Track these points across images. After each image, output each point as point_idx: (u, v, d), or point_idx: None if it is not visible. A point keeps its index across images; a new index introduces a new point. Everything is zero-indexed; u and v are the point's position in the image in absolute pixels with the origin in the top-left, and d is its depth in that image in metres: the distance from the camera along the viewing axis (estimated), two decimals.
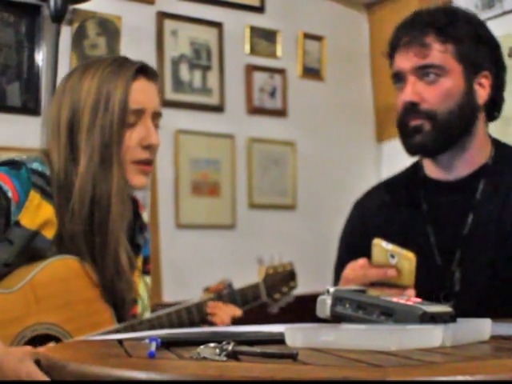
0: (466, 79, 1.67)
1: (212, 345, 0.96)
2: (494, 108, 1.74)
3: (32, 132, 1.90)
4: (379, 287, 1.46)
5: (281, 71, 3.58)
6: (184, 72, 3.32)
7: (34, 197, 1.55)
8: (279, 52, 3.58)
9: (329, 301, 1.21)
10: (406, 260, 1.46)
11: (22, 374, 1.30)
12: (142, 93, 1.61)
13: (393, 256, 1.47)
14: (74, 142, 1.58)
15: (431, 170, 1.76)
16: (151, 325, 1.64)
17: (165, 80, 3.25)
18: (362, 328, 1.08)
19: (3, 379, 1.30)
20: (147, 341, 1.05)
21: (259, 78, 3.51)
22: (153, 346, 1.00)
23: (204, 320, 1.77)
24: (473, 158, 1.72)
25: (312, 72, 3.68)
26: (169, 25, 3.28)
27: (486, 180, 1.70)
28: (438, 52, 1.65)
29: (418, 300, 1.17)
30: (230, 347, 0.94)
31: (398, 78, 1.71)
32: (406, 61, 1.68)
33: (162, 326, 1.66)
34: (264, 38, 3.54)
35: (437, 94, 1.65)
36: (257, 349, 0.96)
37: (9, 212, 1.51)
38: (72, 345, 1.26)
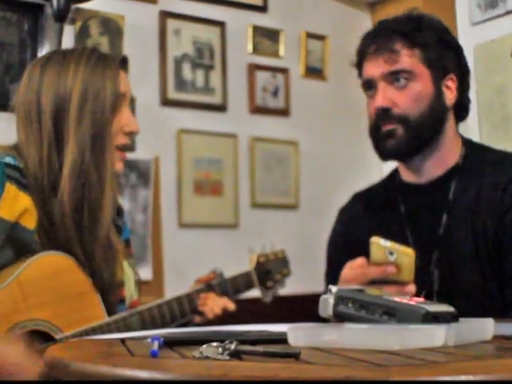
0: (435, 82, 1.71)
1: (215, 344, 0.96)
2: (461, 109, 1.78)
3: None
4: (379, 285, 1.47)
5: (283, 71, 3.58)
6: (187, 71, 3.32)
7: (10, 188, 1.55)
8: (282, 51, 3.58)
9: (331, 300, 1.21)
10: (405, 255, 1.47)
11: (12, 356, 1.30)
12: (123, 81, 1.66)
13: (391, 253, 1.47)
14: (60, 131, 1.58)
15: (405, 174, 1.81)
16: (142, 317, 1.64)
17: (167, 79, 3.25)
18: (365, 327, 1.08)
19: None
20: (150, 340, 1.05)
21: (262, 77, 3.51)
22: (155, 345, 1.00)
23: (195, 311, 1.77)
24: (443, 158, 1.75)
25: (315, 71, 3.68)
26: (171, 24, 3.28)
27: (458, 179, 1.74)
28: (407, 57, 1.70)
29: (421, 300, 1.17)
30: (232, 346, 0.94)
31: (369, 85, 1.76)
32: (375, 68, 1.73)
33: (152, 318, 1.66)
34: (267, 37, 3.54)
35: (408, 99, 1.69)
36: (259, 348, 0.96)
37: None
38: (74, 344, 1.26)
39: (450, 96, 1.73)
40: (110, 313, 1.61)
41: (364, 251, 1.53)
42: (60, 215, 1.56)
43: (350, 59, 1.82)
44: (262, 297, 1.97)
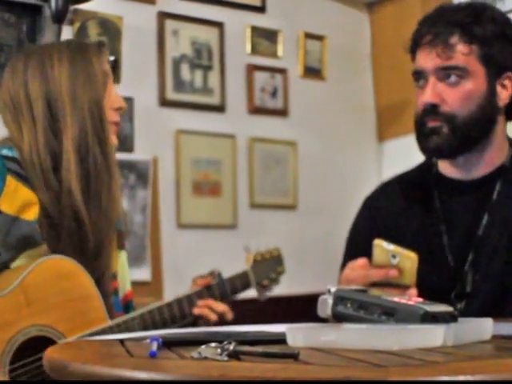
0: (489, 81, 1.64)
1: (213, 345, 0.96)
2: None
3: None
4: (380, 287, 1.46)
5: (282, 71, 3.58)
6: (185, 72, 3.32)
7: (11, 181, 1.55)
8: (280, 52, 3.58)
9: (330, 300, 1.21)
10: (408, 260, 1.46)
11: None
12: (106, 61, 1.68)
13: (394, 256, 1.47)
14: (54, 114, 1.59)
15: (446, 168, 1.74)
16: (143, 320, 1.65)
17: (166, 80, 3.25)
18: (364, 328, 1.08)
19: None
20: (148, 341, 1.05)
21: (260, 77, 3.51)
22: (154, 346, 1.00)
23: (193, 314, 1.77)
24: (491, 159, 1.70)
25: (313, 72, 3.68)
26: (170, 25, 3.28)
27: (503, 181, 1.69)
28: (462, 53, 1.62)
29: (420, 300, 1.17)
30: (231, 347, 0.94)
31: (419, 76, 1.68)
32: (428, 60, 1.65)
33: (153, 321, 1.67)
34: (265, 37, 3.54)
35: (458, 97, 1.63)
36: (258, 348, 0.96)
37: None
38: (73, 345, 1.26)
39: (504, 96, 1.66)
40: (106, 303, 1.62)
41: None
42: (67, 189, 1.57)
43: (404, 43, 1.71)
44: (258, 296, 1.98)
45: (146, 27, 3.22)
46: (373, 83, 3.81)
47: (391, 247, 1.47)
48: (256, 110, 3.49)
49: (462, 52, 1.62)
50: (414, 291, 1.46)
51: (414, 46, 1.69)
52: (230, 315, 1.81)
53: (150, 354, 0.98)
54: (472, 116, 1.63)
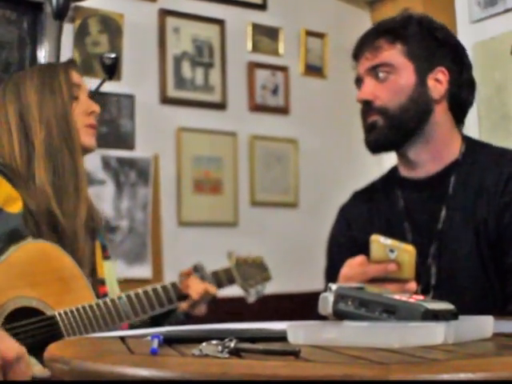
0: (418, 75, 1.73)
1: (214, 342, 0.96)
2: (460, 107, 1.78)
3: None
4: (379, 283, 1.47)
5: (283, 69, 3.57)
6: (186, 69, 3.32)
7: None
8: (281, 49, 3.57)
9: (331, 298, 1.21)
10: (406, 253, 1.47)
11: None
12: (75, 76, 1.84)
13: (392, 250, 1.47)
14: (26, 124, 1.75)
15: (403, 169, 1.82)
16: (130, 299, 1.73)
17: (167, 77, 3.25)
18: (365, 325, 1.08)
19: None
20: (149, 338, 1.05)
21: (261, 75, 3.51)
22: (155, 343, 1.00)
23: (180, 297, 1.85)
24: (439, 152, 1.76)
25: (314, 69, 3.68)
26: (171, 22, 3.28)
27: (457, 175, 1.74)
28: (387, 51, 1.73)
29: (421, 297, 1.17)
30: (232, 344, 0.94)
31: (358, 82, 1.81)
32: (361, 65, 1.79)
33: (140, 300, 1.75)
34: (266, 35, 3.54)
35: (388, 91, 1.73)
36: (259, 346, 0.96)
37: None
38: (74, 342, 1.26)
39: (438, 88, 1.74)
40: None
41: (365, 248, 1.53)
42: (40, 190, 1.69)
43: (351, 64, 1.86)
44: (245, 296, 2.03)
45: (147, 24, 3.22)
46: None
47: (388, 242, 1.48)
48: (257, 108, 3.49)
49: (386, 50, 1.74)
50: (413, 284, 1.47)
51: (355, 62, 1.83)
52: (213, 289, 1.90)
53: (151, 352, 0.98)
54: (403, 107, 1.72)
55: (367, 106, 1.76)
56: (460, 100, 1.78)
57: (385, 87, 1.73)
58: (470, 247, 1.67)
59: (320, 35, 3.69)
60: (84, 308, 1.62)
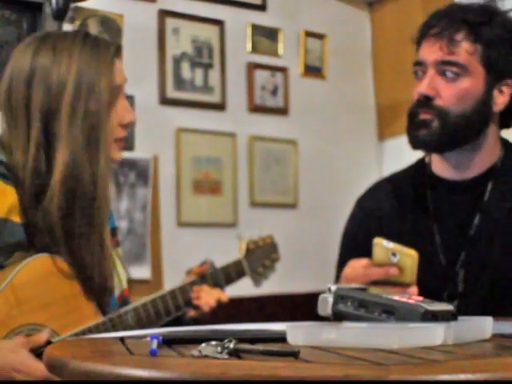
0: (487, 84, 1.64)
1: (213, 343, 0.96)
2: (509, 116, 1.71)
3: None
4: (381, 285, 1.46)
5: (282, 69, 3.57)
6: (185, 70, 3.32)
7: None
8: (281, 50, 3.58)
9: (330, 299, 1.21)
10: (409, 257, 1.46)
11: (16, 363, 1.29)
12: (118, 72, 1.62)
13: (394, 254, 1.46)
14: (50, 131, 1.52)
15: (439, 168, 1.74)
16: (137, 313, 1.64)
17: (166, 78, 3.25)
18: (364, 326, 1.08)
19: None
20: (149, 338, 1.05)
21: (261, 76, 3.51)
22: (154, 344, 1.00)
23: (189, 303, 1.77)
24: (482, 160, 1.70)
25: (314, 70, 3.68)
26: (170, 23, 3.28)
27: (495, 182, 1.69)
28: (465, 51, 1.62)
29: (420, 298, 1.17)
30: (231, 345, 0.94)
31: (419, 67, 1.67)
32: (430, 52, 1.64)
33: (147, 314, 1.66)
34: (266, 36, 3.54)
35: (453, 93, 1.62)
36: (258, 347, 0.96)
37: None
38: (73, 342, 1.26)
39: (500, 101, 1.66)
40: (101, 301, 1.60)
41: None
42: (47, 223, 1.52)
43: (412, 35, 1.70)
44: (253, 283, 1.98)
45: (147, 25, 3.22)
46: (373, 82, 3.80)
47: (391, 245, 1.47)
48: (256, 109, 3.49)
49: (465, 49, 1.61)
50: (414, 289, 1.46)
51: (420, 38, 1.68)
52: (225, 297, 1.82)
53: (151, 352, 0.98)
54: (465, 115, 1.62)
55: (425, 101, 1.63)
56: None
57: (451, 88, 1.62)
58: (499, 257, 1.63)
59: (319, 36, 3.69)
60: (89, 329, 1.54)
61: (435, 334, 1.01)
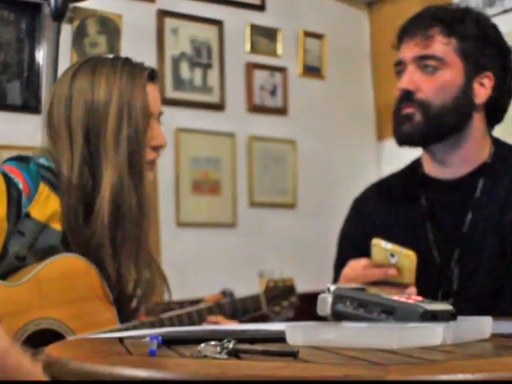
0: (466, 76, 1.66)
1: (213, 343, 0.96)
2: (495, 110, 1.73)
3: (32, 130, 1.90)
4: (380, 286, 1.47)
5: (281, 69, 3.57)
6: (184, 70, 3.31)
7: (44, 189, 1.58)
8: (280, 50, 3.57)
9: (329, 299, 1.21)
10: (407, 258, 1.46)
11: (22, 366, 1.29)
12: (152, 97, 1.65)
13: (392, 255, 1.47)
14: (94, 149, 1.59)
15: (429, 167, 1.76)
16: (153, 326, 1.65)
17: (165, 78, 3.25)
18: (363, 326, 1.08)
19: (6, 370, 1.30)
20: (148, 339, 1.05)
21: (260, 76, 3.51)
22: (154, 344, 1.00)
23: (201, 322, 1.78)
24: (470, 155, 1.71)
25: (312, 70, 3.68)
26: (169, 23, 3.28)
27: (486, 179, 1.70)
28: (441, 44, 1.65)
29: (419, 298, 1.17)
30: (230, 345, 0.94)
31: (399, 66, 1.71)
32: (407, 50, 1.69)
33: (163, 326, 1.66)
34: (264, 36, 3.54)
35: (433, 85, 1.65)
36: (258, 347, 0.96)
37: (19, 203, 1.54)
38: (72, 343, 1.26)
39: (481, 93, 1.68)
40: (127, 308, 1.64)
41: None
42: (98, 236, 1.57)
43: (391, 41, 1.75)
44: (269, 320, 1.98)
45: (146, 25, 3.22)
46: (372, 82, 3.80)
47: (389, 246, 1.47)
48: (255, 109, 3.49)
49: (440, 42, 1.65)
50: (413, 290, 1.46)
51: (398, 42, 1.73)
52: None
53: (150, 353, 0.98)
54: (445, 106, 1.65)
55: (406, 96, 1.67)
56: (498, 106, 1.72)
57: (431, 81, 1.65)
58: (494, 253, 1.63)
59: (318, 36, 3.69)
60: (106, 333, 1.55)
61: (434, 333, 1.01)
